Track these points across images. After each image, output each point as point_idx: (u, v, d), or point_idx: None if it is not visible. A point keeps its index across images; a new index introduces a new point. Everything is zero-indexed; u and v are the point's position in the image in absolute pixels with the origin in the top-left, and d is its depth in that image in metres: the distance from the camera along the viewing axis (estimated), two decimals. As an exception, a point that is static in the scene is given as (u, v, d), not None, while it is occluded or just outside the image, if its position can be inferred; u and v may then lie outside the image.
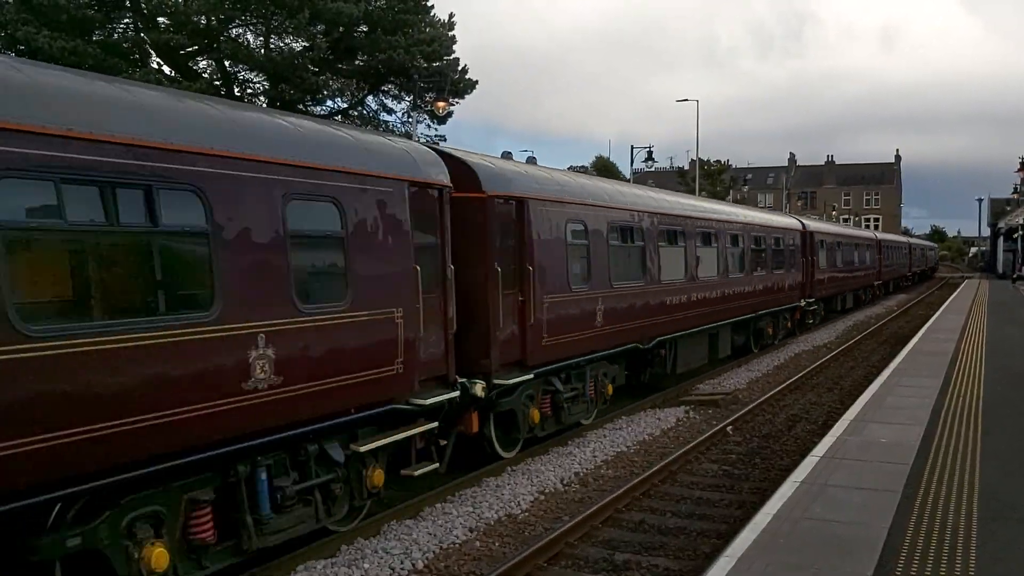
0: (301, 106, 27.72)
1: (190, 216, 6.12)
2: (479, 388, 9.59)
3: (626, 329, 13.43)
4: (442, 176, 9.12)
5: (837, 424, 11.04)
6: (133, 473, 5.70)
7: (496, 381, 10.01)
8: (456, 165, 9.77)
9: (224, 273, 6.28)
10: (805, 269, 25.98)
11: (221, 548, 6.68)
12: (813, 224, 29.85)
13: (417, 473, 8.71)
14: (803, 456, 9.63)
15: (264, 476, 6.92)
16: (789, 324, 25.39)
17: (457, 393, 9.14)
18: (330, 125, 8.60)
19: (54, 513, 5.52)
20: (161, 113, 6.15)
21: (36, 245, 5.52)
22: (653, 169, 48.23)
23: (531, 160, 18.52)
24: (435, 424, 8.89)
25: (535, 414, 11.17)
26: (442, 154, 9.78)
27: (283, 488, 7.09)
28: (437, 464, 9.13)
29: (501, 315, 10.16)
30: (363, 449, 7.83)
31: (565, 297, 11.61)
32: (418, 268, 8.42)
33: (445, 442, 9.61)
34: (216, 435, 6.24)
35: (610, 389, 13.46)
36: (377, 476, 8.16)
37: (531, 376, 10.74)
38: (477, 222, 9.87)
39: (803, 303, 25.82)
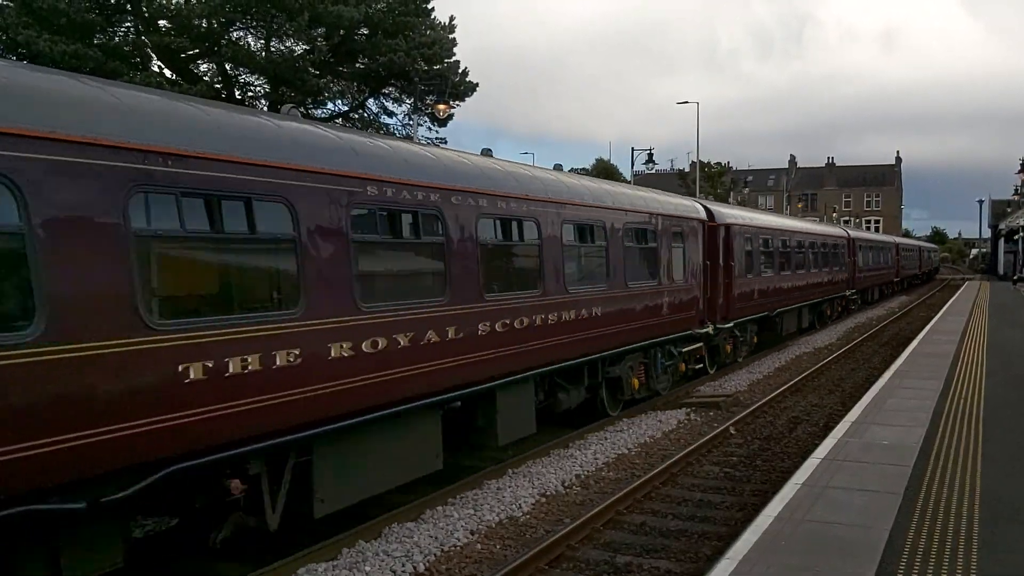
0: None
1: (650, 240, 14.34)
2: (710, 329, 17.41)
3: (765, 303, 21.59)
4: (703, 215, 17.28)
5: (838, 426, 11.11)
6: (632, 346, 13.65)
7: (717, 326, 17.92)
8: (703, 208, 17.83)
9: (660, 263, 14.66)
10: (849, 268, 33.93)
11: (643, 386, 14.73)
12: (854, 232, 37.97)
13: (697, 368, 17.36)
14: (804, 458, 9.68)
15: (659, 356, 15.07)
16: (840, 308, 33.75)
17: (708, 330, 17.16)
18: (674, 196, 17.52)
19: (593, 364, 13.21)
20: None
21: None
22: (654, 171, 48.01)
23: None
24: (700, 344, 17.04)
25: (728, 348, 19.47)
26: (702, 204, 18.14)
27: (663, 363, 15.23)
28: (703, 364, 17.72)
29: (720, 290, 18.16)
30: (685, 350, 16.15)
31: (744, 281, 19.74)
32: (701, 262, 16.65)
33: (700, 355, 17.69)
34: (652, 334, 14.30)
35: (755, 340, 21.90)
36: (681, 367, 16.35)
37: (731, 325, 18.92)
38: (711, 238, 17.79)
39: (848, 293, 34.11)
